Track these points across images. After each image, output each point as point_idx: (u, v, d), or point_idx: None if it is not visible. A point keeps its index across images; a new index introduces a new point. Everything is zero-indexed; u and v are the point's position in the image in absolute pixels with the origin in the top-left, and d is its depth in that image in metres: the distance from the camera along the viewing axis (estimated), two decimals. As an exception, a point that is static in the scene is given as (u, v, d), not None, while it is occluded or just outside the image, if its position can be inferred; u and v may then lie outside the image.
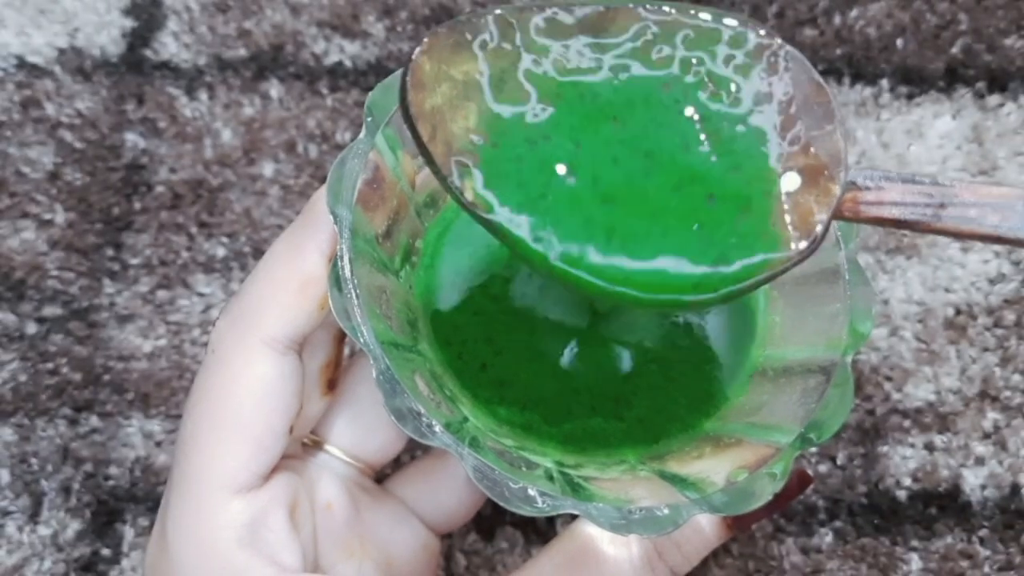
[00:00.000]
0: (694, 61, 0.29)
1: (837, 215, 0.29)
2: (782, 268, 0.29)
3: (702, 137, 0.29)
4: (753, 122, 0.29)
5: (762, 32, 0.29)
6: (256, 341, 0.34)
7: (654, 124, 0.29)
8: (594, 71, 0.29)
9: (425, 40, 0.29)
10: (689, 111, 0.29)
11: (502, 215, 0.29)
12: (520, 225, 0.29)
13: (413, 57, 0.29)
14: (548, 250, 0.29)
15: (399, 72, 0.32)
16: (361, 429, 0.40)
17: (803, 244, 0.29)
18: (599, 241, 0.28)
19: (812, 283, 0.36)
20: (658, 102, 0.29)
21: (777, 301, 0.37)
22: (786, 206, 0.29)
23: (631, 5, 0.29)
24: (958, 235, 0.29)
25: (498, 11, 0.29)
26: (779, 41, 0.29)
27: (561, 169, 0.29)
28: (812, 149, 0.28)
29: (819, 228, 0.29)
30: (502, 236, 0.29)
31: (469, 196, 0.29)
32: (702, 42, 0.29)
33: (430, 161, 0.29)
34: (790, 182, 0.29)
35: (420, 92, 0.29)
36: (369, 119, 0.33)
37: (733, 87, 0.29)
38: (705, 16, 0.29)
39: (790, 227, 0.29)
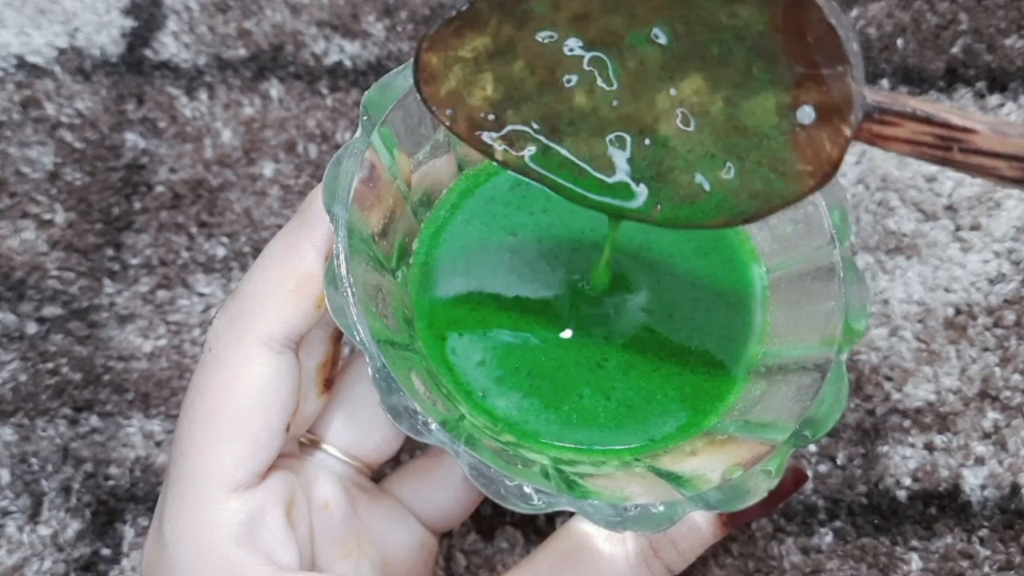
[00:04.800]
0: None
1: (854, 138, 0.29)
2: (794, 199, 0.30)
3: (717, 69, 0.29)
4: (767, 55, 0.29)
5: None
6: (253, 340, 0.34)
7: (668, 56, 0.30)
8: (598, 23, 0.30)
9: (428, 34, 0.30)
10: (701, 44, 0.29)
11: (547, 172, 0.33)
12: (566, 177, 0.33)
13: (421, 52, 0.31)
14: (588, 191, 0.32)
15: (395, 71, 0.34)
16: (358, 428, 0.40)
17: (815, 180, 0.30)
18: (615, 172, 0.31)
19: (808, 280, 0.36)
20: (671, 36, 0.30)
21: (773, 299, 0.37)
22: (800, 138, 0.29)
23: None
24: (967, 173, 0.29)
25: None
26: None
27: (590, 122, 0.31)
28: (824, 87, 0.28)
29: (830, 165, 0.29)
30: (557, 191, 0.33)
31: (500, 158, 0.32)
32: None
33: (462, 141, 0.32)
34: (805, 115, 0.29)
35: (433, 83, 0.31)
36: (365, 118, 0.33)
37: (742, 21, 0.29)
38: None
39: (802, 160, 0.29)
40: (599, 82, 0.31)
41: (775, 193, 0.31)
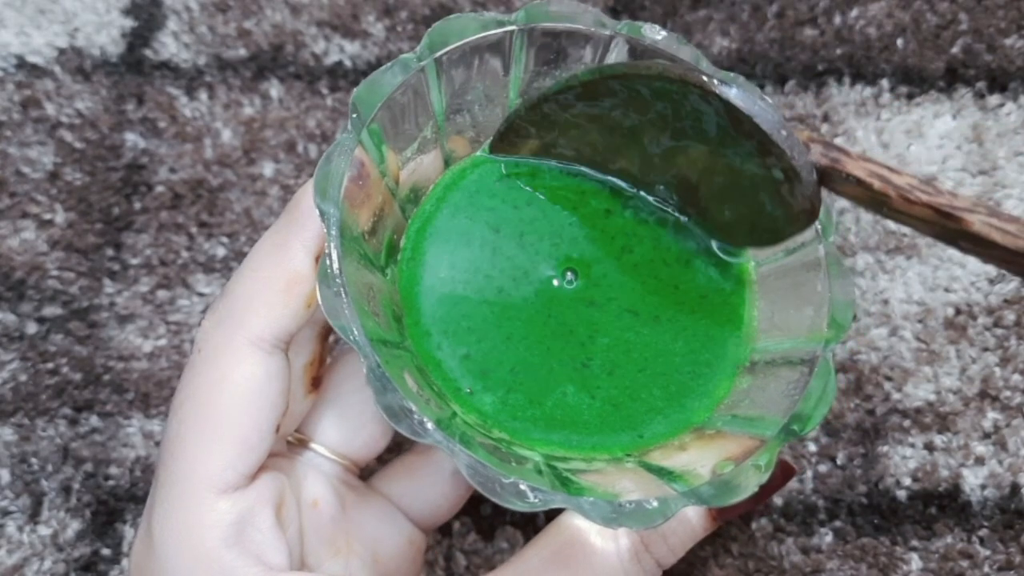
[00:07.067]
0: (664, 97, 0.34)
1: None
2: (792, 233, 0.35)
3: (707, 143, 0.34)
4: (735, 137, 0.32)
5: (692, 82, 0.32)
6: (242, 340, 0.34)
7: (670, 133, 0.35)
8: (607, 120, 0.36)
9: (493, 142, 0.39)
10: (687, 126, 0.34)
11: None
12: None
13: (493, 150, 0.39)
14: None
15: (384, 68, 0.34)
16: (346, 426, 0.39)
17: (804, 220, 0.34)
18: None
19: (793, 276, 0.36)
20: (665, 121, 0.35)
21: (759, 295, 0.37)
22: (783, 189, 0.33)
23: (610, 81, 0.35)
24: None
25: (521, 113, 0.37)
26: (714, 88, 0.32)
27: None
28: (777, 160, 0.32)
29: (810, 211, 0.33)
30: None
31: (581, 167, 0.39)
32: (663, 88, 0.33)
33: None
34: (778, 174, 0.32)
35: (515, 148, 0.39)
36: (354, 115, 0.33)
37: (707, 115, 0.33)
38: (659, 67, 0.33)
39: (791, 204, 0.33)
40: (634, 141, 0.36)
41: (778, 229, 0.35)
